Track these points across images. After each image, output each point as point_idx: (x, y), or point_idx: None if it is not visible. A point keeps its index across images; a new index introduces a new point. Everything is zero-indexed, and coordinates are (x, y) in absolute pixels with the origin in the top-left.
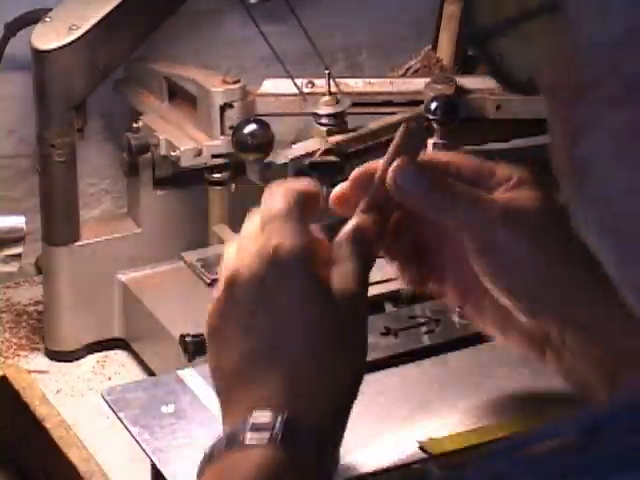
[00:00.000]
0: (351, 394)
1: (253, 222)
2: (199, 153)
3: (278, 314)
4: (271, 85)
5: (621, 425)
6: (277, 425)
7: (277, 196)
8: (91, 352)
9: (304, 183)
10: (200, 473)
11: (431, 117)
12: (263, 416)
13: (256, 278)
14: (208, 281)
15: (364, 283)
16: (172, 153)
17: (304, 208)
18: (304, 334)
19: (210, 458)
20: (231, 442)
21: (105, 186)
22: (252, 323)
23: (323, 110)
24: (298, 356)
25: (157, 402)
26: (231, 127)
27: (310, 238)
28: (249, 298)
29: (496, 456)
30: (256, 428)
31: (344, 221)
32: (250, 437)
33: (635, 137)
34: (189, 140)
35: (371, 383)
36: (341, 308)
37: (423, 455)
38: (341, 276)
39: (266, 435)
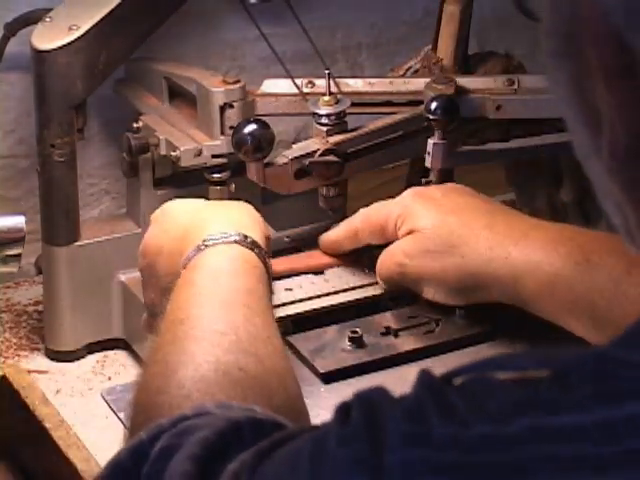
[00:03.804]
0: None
1: None
2: (199, 153)
3: None
4: (271, 85)
5: (587, 372)
6: (233, 234)
7: None
8: (91, 352)
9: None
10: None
11: (431, 117)
12: (219, 233)
13: None
14: None
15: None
16: (172, 153)
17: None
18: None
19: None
20: (196, 250)
21: (105, 186)
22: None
23: (323, 110)
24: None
25: None
26: (231, 127)
27: None
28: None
29: (474, 370)
30: (216, 238)
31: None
32: (213, 242)
33: None
34: (189, 140)
35: (371, 383)
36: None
37: None
38: None
39: (228, 239)
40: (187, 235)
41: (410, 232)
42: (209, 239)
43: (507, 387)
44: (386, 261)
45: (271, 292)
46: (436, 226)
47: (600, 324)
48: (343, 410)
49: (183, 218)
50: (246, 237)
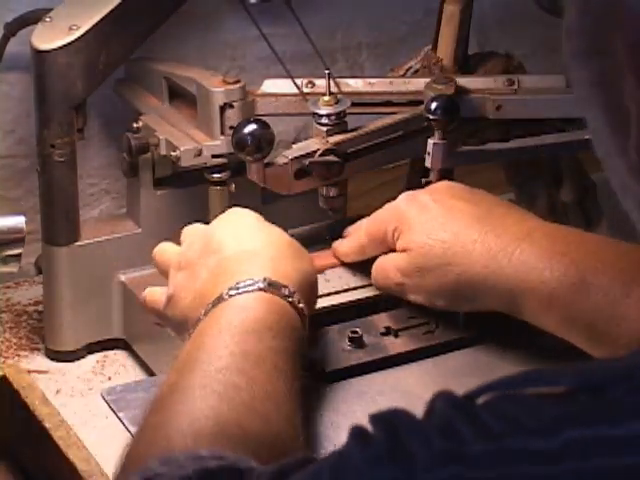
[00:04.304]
0: (311, 273)
1: None
2: (199, 153)
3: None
4: (271, 85)
5: (624, 383)
6: (260, 282)
7: None
8: (91, 352)
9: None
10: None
11: (431, 117)
12: (246, 281)
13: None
14: None
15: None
16: (172, 153)
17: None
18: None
19: (196, 322)
20: (218, 301)
21: (105, 186)
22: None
23: (323, 110)
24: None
25: None
26: (231, 127)
27: None
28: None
29: (498, 389)
30: (240, 286)
31: (344, 221)
32: (236, 293)
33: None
34: (189, 140)
35: (371, 383)
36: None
37: None
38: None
39: (252, 288)
40: (218, 274)
41: (404, 249)
42: (236, 286)
43: (541, 402)
44: (382, 278)
45: (304, 343)
46: (429, 244)
47: (599, 341)
48: (358, 434)
49: (217, 257)
50: (279, 284)
